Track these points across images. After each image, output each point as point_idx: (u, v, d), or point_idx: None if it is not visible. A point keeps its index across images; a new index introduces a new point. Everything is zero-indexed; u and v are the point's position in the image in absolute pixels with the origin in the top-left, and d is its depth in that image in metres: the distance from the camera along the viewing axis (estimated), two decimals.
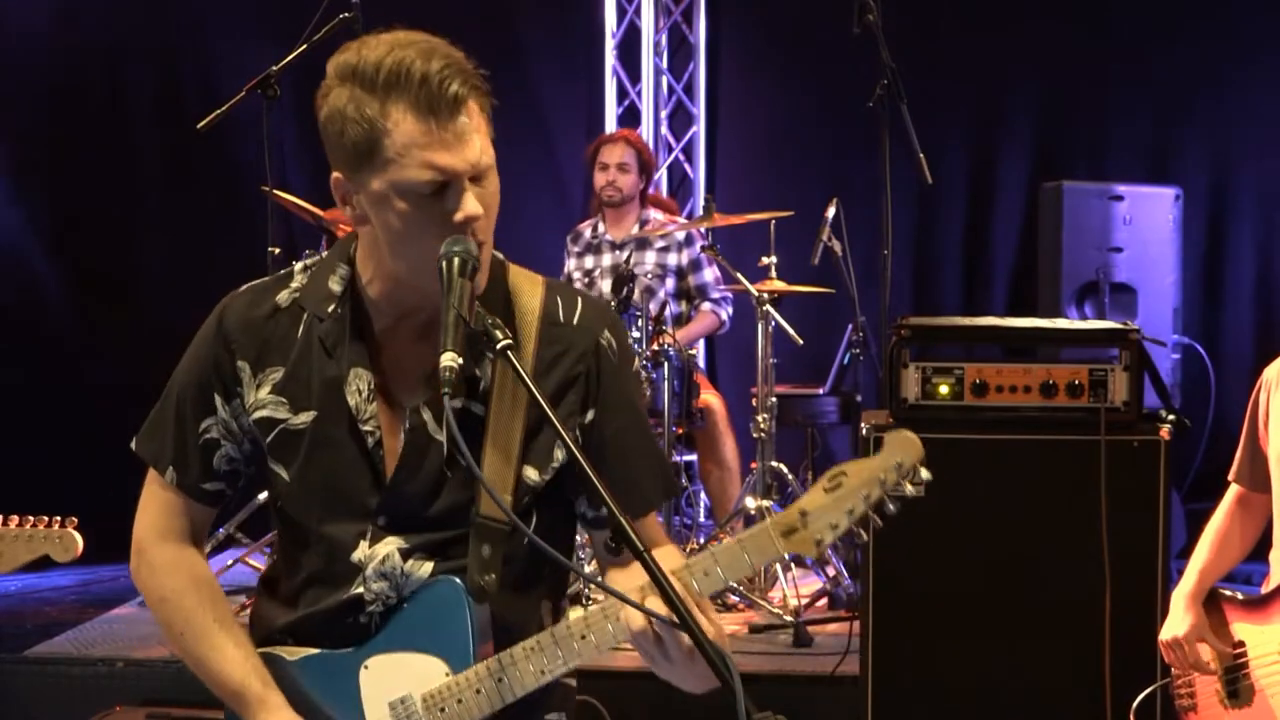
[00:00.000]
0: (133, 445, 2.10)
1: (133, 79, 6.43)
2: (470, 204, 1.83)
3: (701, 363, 6.46)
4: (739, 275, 5.06)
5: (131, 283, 6.35)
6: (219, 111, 4.68)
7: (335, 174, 1.89)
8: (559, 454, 1.97)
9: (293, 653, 2.01)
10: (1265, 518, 3.11)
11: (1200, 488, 5.63)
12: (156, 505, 2.08)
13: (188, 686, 4.00)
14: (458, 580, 1.93)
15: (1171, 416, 3.38)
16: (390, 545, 1.96)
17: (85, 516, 5.96)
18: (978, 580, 3.38)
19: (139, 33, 6.40)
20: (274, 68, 4.72)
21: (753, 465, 5.05)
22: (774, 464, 4.97)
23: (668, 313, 5.57)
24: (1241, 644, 2.99)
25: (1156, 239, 5.85)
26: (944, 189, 6.44)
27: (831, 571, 4.88)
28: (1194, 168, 6.46)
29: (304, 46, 4.78)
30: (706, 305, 5.71)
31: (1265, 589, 3.03)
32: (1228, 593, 3.08)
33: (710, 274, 5.70)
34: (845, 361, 5.63)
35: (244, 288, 2.06)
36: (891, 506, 1.79)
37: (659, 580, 1.69)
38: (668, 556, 1.88)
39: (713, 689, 1.76)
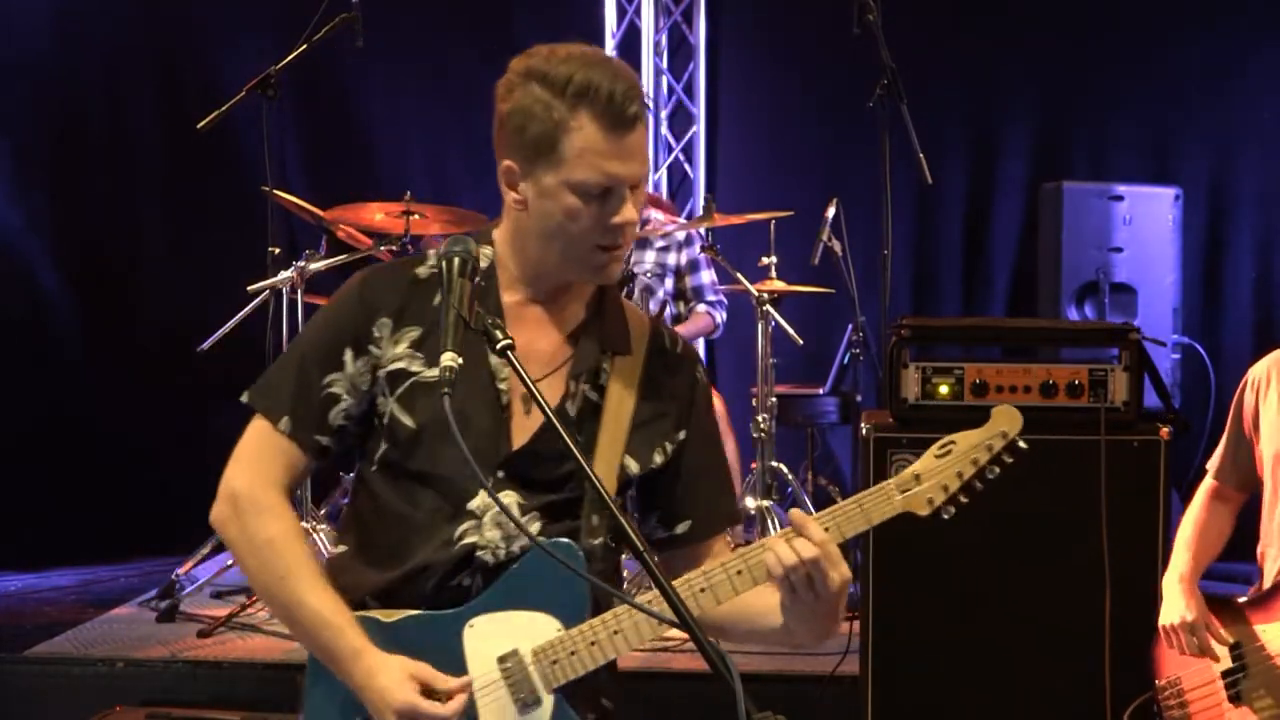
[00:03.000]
0: (243, 397, 2.14)
1: (133, 79, 6.42)
2: (629, 210, 2.04)
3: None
4: (739, 275, 5.06)
5: (132, 282, 6.34)
6: (219, 111, 4.68)
7: (507, 162, 2.05)
8: (658, 458, 2.15)
9: (388, 615, 2.04)
10: (1238, 513, 3.13)
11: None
12: (262, 453, 2.10)
13: (188, 686, 4.04)
14: (573, 543, 2.03)
15: (1171, 416, 3.38)
16: (509, 498, 2.04)
17: (85, 516, 5.99)
18: (977, 580, 3.38)
19: (139, 33, 6.40)
20: (274, 68, 4.72)
21: (753, 465, 5.06)
22: (774, 464, 4.98)
23: (667, 313, 5.57)
24: (1241, 645, 2.98)
25: (1156, 239, 5.85)
26: (944, 189, 6.44)
27: None
28: (1194, 168, 6.46)
29: (304, 46, 4.79)
30: (701, 307, 5.70)
31: (1261, 588, 3.03)
32: (1218, 595, 3.08)
33: (707, 276, 5.70)
34: (845, 361, 5.64)
35: (383, 264, 2.22)
36: (990, 473, 2.00)
37: (664, 589, 1.75)
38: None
39: (824, 639, 2.02)
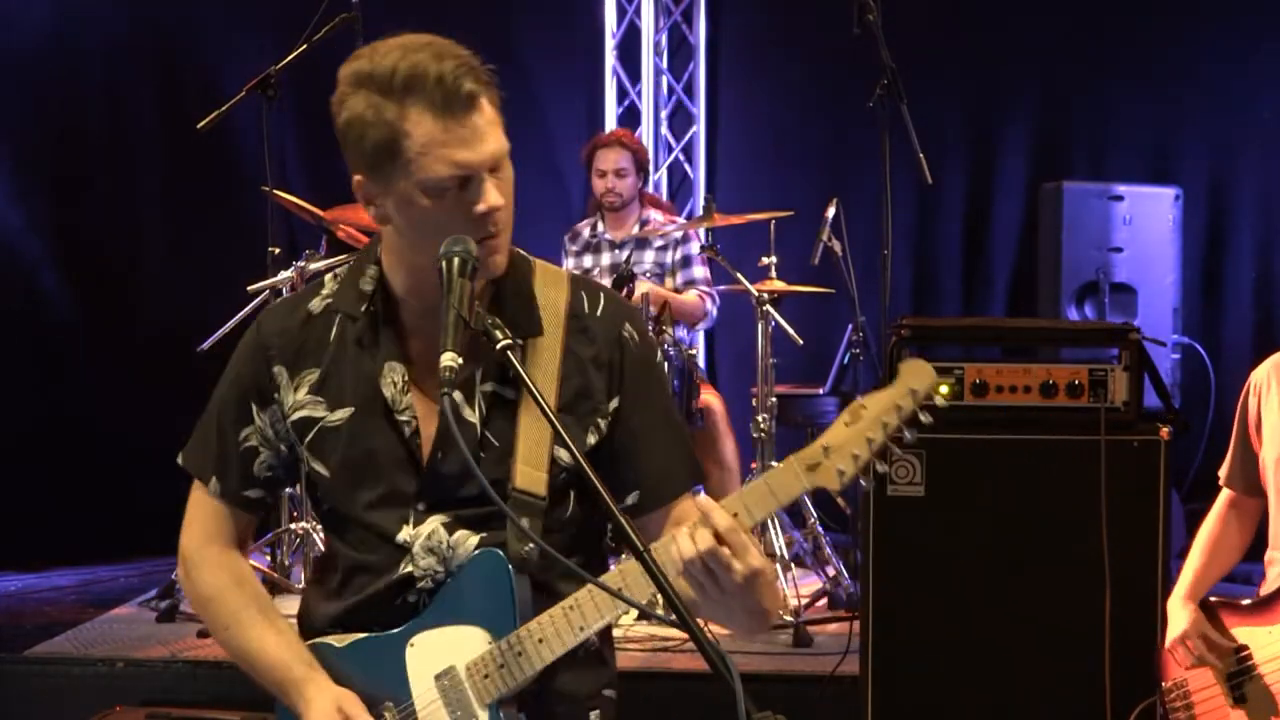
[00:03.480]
0: (179, 459, 2.17)
1: (133, 79, 6.42)
2: (492, 195, 1.91)
3: (701, 363, 6.46)
4: (739, 275, 5.05)
5: (132, 282, 6.34)
6: (219, 111, 4.68)
7: (356, 177, 1.96)
8: (591, 438, 2.04)
9: (341, 639, 2.06)
10: (1257, 521, 3.13)
11: (1200, 488, 5.62)
12: (201, 514, 2.15)
13: (188, 686, 4.04)
14: (499, 552, 1.98)
15: (1171, 416, 3.38)
16: (434, 523, 2.02)
17: (85, 516, 5.99)
18: (977, 580, 3.38)
19: (139, 33, 6.40)
20: (274, 68, 4.72)
21: (753, 465, 5.05)
22: (774, 464, 4.97)
23: (668, 312, 5.57)
24: (1244, 647, 2.98)
25: (1156, 239, 5.85)
26: (944, 189, 6.45)
27: (831, 571, 4.88)
28: (1194, 168, 6.46)
29: (304, 46, 4.79)
30: (693, 291, 5.68)
31: (1263, 590, 3.03)
32: (1215, 599, 3.09)
33: (700, 271, 5.68)
34: (845, 361, 5.64)
35: (277, 302, 2.19)
36: (908, 435, 1.85)
37: (657, 578, 1.71)
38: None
39: (758, 632, 1.89)
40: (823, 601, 4.76)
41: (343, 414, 2.03)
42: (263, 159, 4.70)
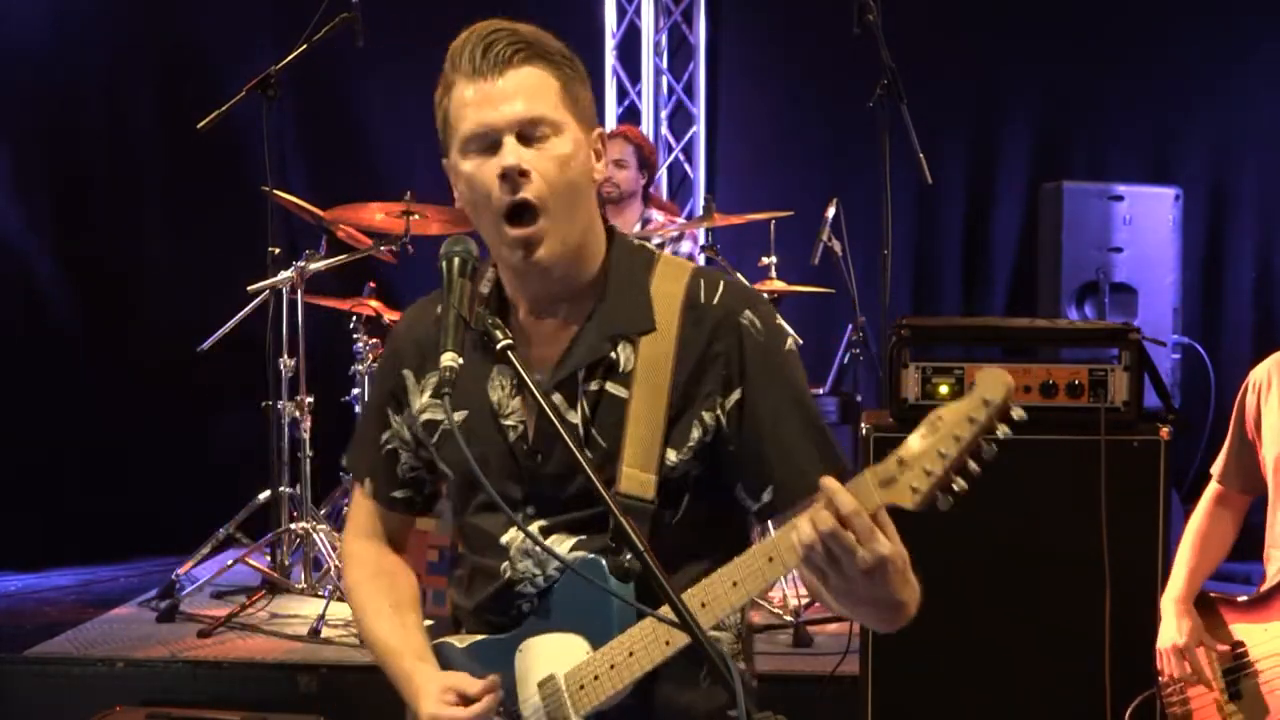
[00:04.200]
0: (343, 460, 2.31)
1: (133, 79, 6.43)
2: (506, 155, 1.86)
3: None
4: (739, 275, 5.05)
5: (132, 282, 6.34)
6: (219, 111, 4.68)
7: (443, 162, 1.98)
8: (695, 433, 1.95)
9: (462, 640, 2.08)
10: (1243, 516, 3.13)
11: (1200, 488, 5.58)
12: (358, 512, 2.24)
13: (188, 686, 4.04)
14: (600, 558, 1.92)
15: (1171, 416, 3.38)
16: (532, 526, 1.99)
17: (85, 516, 5.99)
18: (977, 580, 3.38)
19: (139, 33, 6.40)
20: (274, 68, 4.72)
21: None
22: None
23: None
24: (1241, 644, 2.99)
25: (1156, 239, 5.85)
26: (944, 189, 6.45)
27: None
28: (1194, 168, 6.47)
29: (304, 46, 4.79)
30: None
31: (1263, 588, 3.03)
32: (1215, 594, 3.09)
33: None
34: (845, 361, 5.64)
35: (416, 303, 2.16)
36: (986, 450, 1.73)
37: (661, 586, 1.70)
38: None
39: (893, 627, 1.85)
40: None
41: (459, 416, 1.99)
42: (263, 159, 4.70)
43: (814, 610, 4.66)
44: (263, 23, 6.25)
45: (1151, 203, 5.88)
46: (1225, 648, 2.99)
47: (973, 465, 1.73)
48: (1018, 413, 1.73)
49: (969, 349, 4.39)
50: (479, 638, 2.06)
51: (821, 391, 5.77)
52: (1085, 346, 3.80)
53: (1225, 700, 2.98)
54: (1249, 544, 3.16)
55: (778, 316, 2.06)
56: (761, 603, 4.59)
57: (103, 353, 6.20)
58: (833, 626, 4.47)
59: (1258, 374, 3.10)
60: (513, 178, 1.86)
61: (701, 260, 5.68)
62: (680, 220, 6.11)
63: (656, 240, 5.71)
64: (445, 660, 2.06)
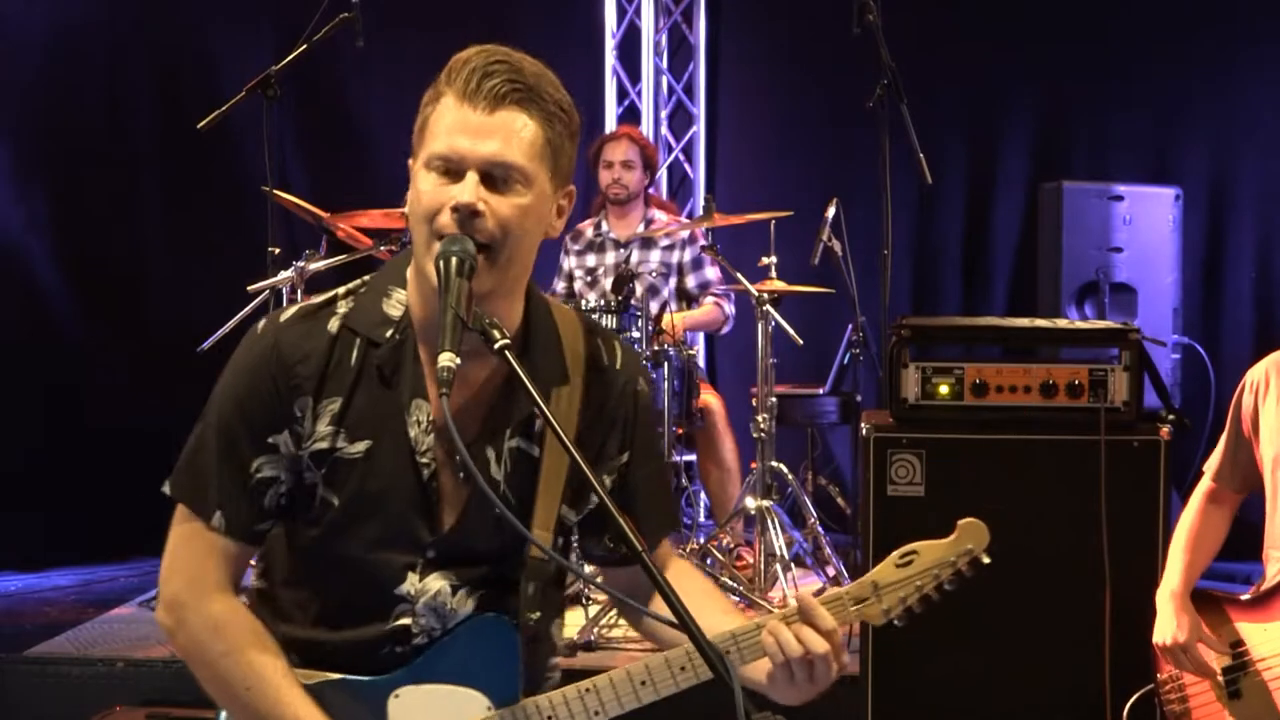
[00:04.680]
0: (165, 489, 2.00)
1: (133, 79, 6.42)
2: (465, 192, 1.83)
3: (701, 363, 6.46)
4: (739, 275, 5.06)
5: (132, 283, 6.34)
6: (219, 111, 4.68)
7: (409, 162, 1.94)
8: (593, 496, 2.01)
9: (309, 677, 1.95)
10: (1234, 514, 3.14)
11: None
12: (195, 555, 1.97)
13: (187, 687, 4.03)
14: (505, 618, 1.96)
15: (1171, 416, 3.38)
16: (440, 581, 1.95)
17: (86, 517, 5.98)
18: (977, 580, 3.38)
19: (139, 32, 6.40)
20: (274, 68, 4.72)
21: (753, 465, 5.05)
22: (774, 464, 4.97)
23: (668, 312, 5.57)
24: (1241, 642, 2.99)
25: (1156, 239, 5.85)
26: (944, 189, 6.45)
27: (831, 571, 4.88)
28: (1194, 168, 6.46)
29: (304, 46, 4.79)
30: (710, 299, 5.70)
31: (1263, 587, 3.03)
32: (1218, 593, 3.09)
33: (712, 272, 5.70)
34: (845, 361, 5.64)
35: (288, 317, 1.97)
36: (949, 585, 1.95)
37: (666, 594, 1.71)
38: (687, 572, 2.14)
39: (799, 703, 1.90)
40: None
41: (361, 447, 1.93)
42: (263, 159, 4.70)
43: None
44: (263, 23, 6.24)
45: (1151, 203, 5.88)
46: (1225, 645, 2.99)
47: (935, 596, 1.95)
48: (986, 559, 2.00)
49: (969, 349, 4.40)
50: (335, 677, 1.95)
51: (822, 391, 5.77)
52: (1085, 346, 3.80)
53: (1225, 699, 2.98)
54: (1248, 544, 3.16)
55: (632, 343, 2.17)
56: (761, 603, 4.59)
57: (102, 353, 6.20)
58: None
59: (1255, 374, 3.10)
60: (464, 215, 1.83)
61: (703, 260, 5.68)
62: (682, 220, 6.11)
63: (665, 241, 5.71)
64: (316, 694, 1.94)
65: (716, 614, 1.97)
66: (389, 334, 1.94)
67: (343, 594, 1.97)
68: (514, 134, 1.85)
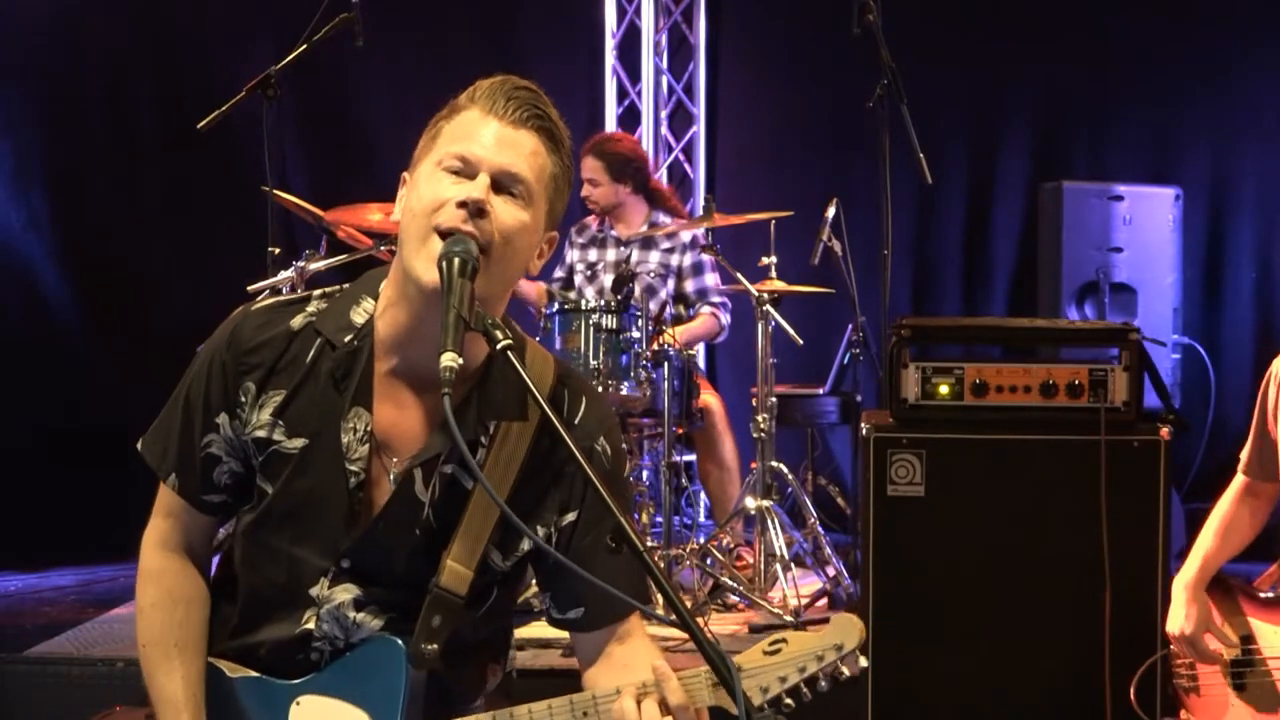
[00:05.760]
0: (138, 445, 2.10)
1: (133, 79, 6.43)
2: (476, 189, 1.87)
3: (701, 363, 6.46)
4: (739, 275, 5.05)
5: (132, 283, 6.34)
6: (219, 111, 4.67)
7: (403, 175, 1.98)
8: (524, 544, 2.00)
9: (233, 669, 2.02)
10: (1272, 506, 3.13)
11: (1200, 488, 5.63)
12: (160, 509, 2.08)
13: None
14: (400, 643, 1.95)
15: (1171, 416, 3.38)
16: (348, 593, 1.97)
17: (86, 516, 5.98)
18: (977, 580, 3.38)
19: (139, 33, 6.40)
20: (274, 68, 4.72)
21: (753, 465, 5.05)
22: (774, 464, 4.97)
23: (667, 313, 5.56)
24: (1253, 638, 2.99)
25: (1156, 239, 5.85)
26: (944, 189, 6.45)
27: (831, 571, 4.87)
28: (1194, 168, 6.46)
29: (304, 46, 4.79)
30: (706, 309, 5.68)
31: None
32: (1236, 582, 3.09)
33: (711, 279, 5.68)
34: (845, 361, 5.64)
35: (259, 307, 2.06)
36: (824, 684, 1.83)
37: (657, 579, 1.71)
38: (645, 651, 2.01)
39: None
40: (823, 601, 4.76)
41: (298, 443, 1.97)
42: (263, 159, 4.69)
43: (814, 610, 4.66)
44: (263, 23, 6.24)
45: (1151, 203, 5.88)
46: (1235, 637, 3.00)
47: (807, 693, 1.83)
48: (863, 662, 1.86)
49: (969, 349, 4.39)
50: (252, 674, 2.01)
51: (822, 392, 5.77)
52: (1085, 346, 3.80)
53: (1231, 689, 2.99)
54: (1260, 544, 3.16)
55: (623, 440, 2.11)
56: (761, 603, 4.60)
57: (102, 353, 6.20)
58: None
59: (1277, 366, 3.09)
60: (472, 210, 1.87)
61: (704, 265, 5.67)
62: (685, 219, 6.10)
63: (665, 243, 5.70)
64: (213, 685, 2.00)
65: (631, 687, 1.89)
66: (348, 339, 1.98)
67: (268, 585, 2.01)
68: (530, 154, 1.93)
